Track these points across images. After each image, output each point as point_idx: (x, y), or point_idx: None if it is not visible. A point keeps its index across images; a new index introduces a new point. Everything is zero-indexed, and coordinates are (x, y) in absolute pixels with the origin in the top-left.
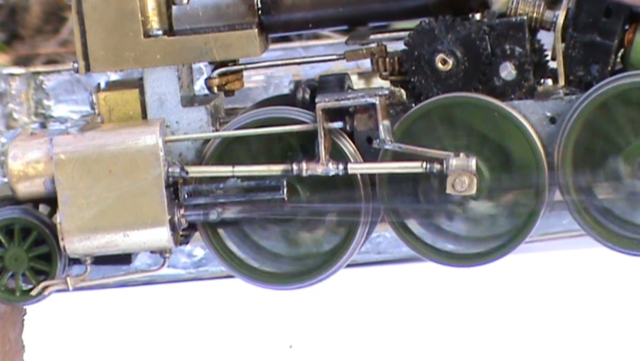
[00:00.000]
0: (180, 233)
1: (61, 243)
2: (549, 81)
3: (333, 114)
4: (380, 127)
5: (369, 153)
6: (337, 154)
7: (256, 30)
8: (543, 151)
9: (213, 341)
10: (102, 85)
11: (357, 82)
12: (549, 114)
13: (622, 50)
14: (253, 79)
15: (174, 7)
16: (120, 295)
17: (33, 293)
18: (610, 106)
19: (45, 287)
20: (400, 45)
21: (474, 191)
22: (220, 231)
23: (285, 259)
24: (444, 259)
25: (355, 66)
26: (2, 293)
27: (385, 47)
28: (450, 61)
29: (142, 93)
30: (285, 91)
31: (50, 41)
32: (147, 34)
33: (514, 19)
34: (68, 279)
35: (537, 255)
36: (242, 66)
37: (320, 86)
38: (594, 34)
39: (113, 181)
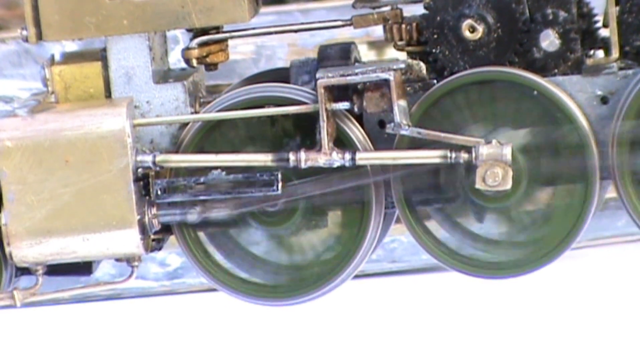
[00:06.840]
0: (152, 236)
1: (7, 249)
2: (600, 53)
3: (337, 92)
4: (395, 108)
5: (382, 140)
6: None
7: None
8: (593, 137)
9: None
10: (57, 57)
11: (366, 54)
12: (600, 92)
13: None
14: (240, 50)
15: None
16: (79, 312)
17: None
18: None
19: None
20: (419, 9)
21: (509, 185)
22: (201, 234)
23: (279, 267)
24: (471, 269)
25: (365, 33)
26: None
27: (401, 10)
28: (480, 28)
29: (105, 67)
30: (280, 63)
31: None
32: None
33: None
34: (15, 293)
35: (586, 263)
36: (227, 34)
37: (321, 58)
38: None
39: (70, 173)
